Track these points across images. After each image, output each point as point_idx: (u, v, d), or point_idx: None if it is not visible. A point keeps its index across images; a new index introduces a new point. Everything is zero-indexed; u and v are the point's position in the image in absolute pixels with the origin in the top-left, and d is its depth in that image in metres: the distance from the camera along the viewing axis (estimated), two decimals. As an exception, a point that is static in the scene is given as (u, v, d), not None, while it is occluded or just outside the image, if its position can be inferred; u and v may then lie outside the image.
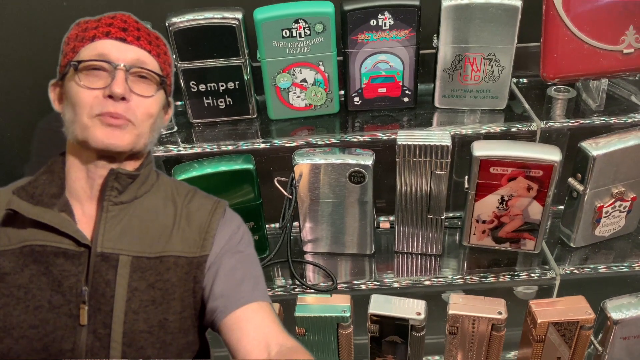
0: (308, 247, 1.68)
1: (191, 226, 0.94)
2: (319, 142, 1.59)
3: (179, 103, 1.74)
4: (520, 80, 1.85)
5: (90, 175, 0.91)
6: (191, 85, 1.64)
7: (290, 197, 1.53)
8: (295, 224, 1.67)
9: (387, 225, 1.75)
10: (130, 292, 0.87)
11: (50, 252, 0.86)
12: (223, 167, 1.49)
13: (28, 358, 0.85)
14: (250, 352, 0.83)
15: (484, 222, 1.58)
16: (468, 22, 1.54)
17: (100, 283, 0.87)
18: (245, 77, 1.63)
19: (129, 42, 0.90)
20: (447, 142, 1.43)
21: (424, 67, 1.72)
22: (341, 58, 1.64)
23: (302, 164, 1.50)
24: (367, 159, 1.49)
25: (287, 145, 1.61)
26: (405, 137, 1.46)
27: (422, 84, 1.76)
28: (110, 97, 0.86)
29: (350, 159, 1.49)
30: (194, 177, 1.50)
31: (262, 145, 1.61)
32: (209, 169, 1.50)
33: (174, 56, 1.56)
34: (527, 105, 1.69)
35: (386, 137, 1.58)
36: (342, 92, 1.71)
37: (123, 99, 0.87)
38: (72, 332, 0.86)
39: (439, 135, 1.45)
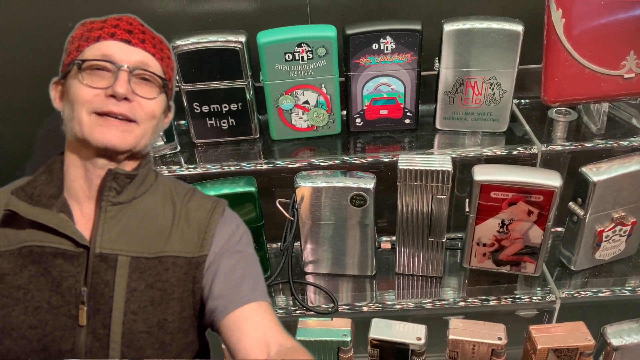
0: (309, 268, 1.69)
1: (190, 226, 0.93)
2: (321, 164, 1.60)
3: (182, 122, 1.76)
4: (522, 101, 1.85)
5: (89, 174, 0.90)
6: (194, 106, 1.65)
7: (292, 219, 1.53)
8: (297, 244, 1.68)
9: (389, 245, 1.75)
10: (129, 293, 0.87)
11: (49, 252, 0.86)
12: (225, 190, 1.51)
13: (27, 358, 0.85)
14: (250, 352, 0.82)
15: (484, 245, 1.59)
16: (469, 46, 1.55)
17: (99, 283, 0.86)
18: (248, 98, 1.65)
19: (133, 45, 0.90)
20: (448, 167, 1.44)
21: (426, 87, 1.73)
22: (343, 80, 1.65)
23: (304, 187, 1.51)
24: (368, 183, 1.50)
25: (290, 166, 1.62)
26: (407, 161, 1.47)
27: (424, 104, 1.77)
28: (113, 97, 0.86)
29: (351, 182, 1.50)
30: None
31: (265, 167, 1.62)
32: (211, 191, 1.51)
33: (178, 77, 1.58)
34: (528, 128, 1.70)
35: (388, 159, 1.59)
36: (344, 113, 1.72)
37: (125, 99, 0.87)
38: (72, 333, 0.86)
39: (440, 160, 1.46)
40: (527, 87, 1.82)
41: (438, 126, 1.70)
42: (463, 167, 1.72)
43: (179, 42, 1.55)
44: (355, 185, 1.49)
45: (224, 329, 0.88)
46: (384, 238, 1.81)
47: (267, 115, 1.68)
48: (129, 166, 0.94)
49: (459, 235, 1.78)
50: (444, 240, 1.57)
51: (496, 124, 1.67)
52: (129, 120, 0.88)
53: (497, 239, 1.57)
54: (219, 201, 1.01)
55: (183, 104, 1.65)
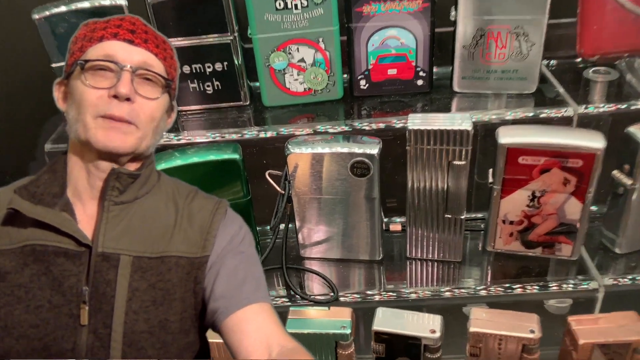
0: (306, 252, 1.46)
1: (192, 226, 0.94)
2: (319, 132, 1.37)
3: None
4: (551, 62, 1.61)
5: (92, 174, 0.91)
6: (174, 66, 1.44)
7: (284, 192, 1.31)
8: (292, 226, 1.45)
9: (399, 227, 1.52)
10: (131, 292, 0.87)
11: (51, 251, 0.87)
12: (207, 157, 1.30)
13: (28, 357, 0.85)
14: (251, 353, 0.84)
15: (511, 222, 1.35)
16: (491, -11, 1.32)
17: (100, 283, 0.87)
18: (235, 58, 1.43)
19: (136, 44, 0.90)
20: (468, 125, 1.21)
21: (441, 48, 1.50)
22: (345, 37, 1.42)
23: (297, 154, 1.29)
24: (372, 148, 1.27)
25: (282, 134, 1.40)
26: (418, 121, 1.23)
27: (439, 67, 1.54)
28: (115, 97, 0.87)
29: (352, 148, 1.27)
30: (175, 167, 1.31)
31: (254, 134, 1.41)
32: (192, 158, 1.31)
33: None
34: (561, 89, 1.46)
35: (400, 125, 1.36)
36: (347, 75, 1.49)
37: (128, 99, 0.87)
38: (73, 332, 0.86)
39: (457, 119, 1.22)
40: (556, 45, 1.57)
41: (456, 88, 1.47)
42: (485, 135, 1.48)
43: (153, -10, 1.35)
44: (356, 151, 1.26)
45: (225, 330, 0.89)
46: (395, 219, 1.57)
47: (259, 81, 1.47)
48: (132, 167, 0.94)
49: (480, 215, 1.54)
50: (462, 218, 1.34)
51: (523, 83, 1.43)
52: (131, 123, 0.88)
53: (527, 215, 1.33)
54: (222, 202, 1.00)
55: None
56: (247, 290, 0.91)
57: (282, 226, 1.43)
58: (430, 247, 1.41)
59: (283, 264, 1.41)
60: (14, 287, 0.86)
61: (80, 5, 1.35)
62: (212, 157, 1.30)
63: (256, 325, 0.87)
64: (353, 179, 1.30)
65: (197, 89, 1.48)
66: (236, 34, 1.41)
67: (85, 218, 0.91)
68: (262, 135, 1.40)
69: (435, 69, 1.50)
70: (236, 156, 1.31)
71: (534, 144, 1.23)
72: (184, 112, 1.52)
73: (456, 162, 1.24)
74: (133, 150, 0.90)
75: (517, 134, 1.26)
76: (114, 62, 0.87)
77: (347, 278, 1.44)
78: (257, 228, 1.50)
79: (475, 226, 1.53)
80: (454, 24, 1.39)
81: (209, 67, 1.45)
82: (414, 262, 1.44)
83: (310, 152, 1.28)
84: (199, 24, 1.38)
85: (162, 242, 0.91)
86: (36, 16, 1.35)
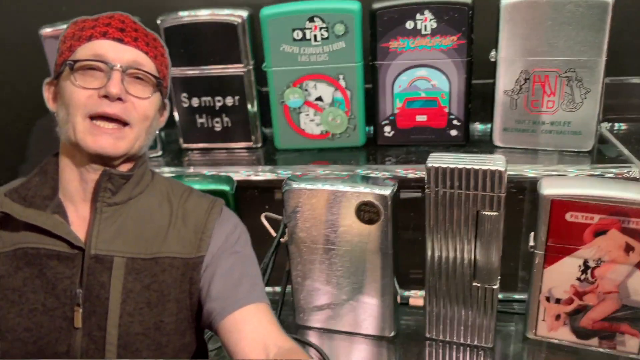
0: (302, 319, 1.22)
1: (187, 226, 0.92)
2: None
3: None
4: (616, 125, 1.39)
5: (84, 176, 0.89)
6: (182, 98, 1.33)
7: (280, 237, 1.11)
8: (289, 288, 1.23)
9: (420, 302, 1.26)
10: (125, 294, 0.87)
11: (44, 254, 0.86)
12: (194, 185, 1.12)
13: None
14: (248, 354, 0.83)
15: (557, 301, 1.07)
16: (537, 25, 1.16)
17: (94, 285, 0.86)
18: (248, 93, 1.31)
19: (126, 43, 0.89)
20: (501, 166, 0.99)
21: (479, 96, 1.32)
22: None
23: (296, 190, 1.10)
24: (384, 189, 1.06)
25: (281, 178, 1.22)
26: (439, 158, 1.03)
27: (479, 122, 1.36)
28: (106, 97, 0.85)
29: (360, 187, 1.07)
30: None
31: (255, 175, 1.24)
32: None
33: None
34: (624, 149, 1.22)
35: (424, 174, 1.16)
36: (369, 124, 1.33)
37: (119, 99, 0.86)
38: (67, 335, 0.86)
39: (488, 158, 1.01)
40: (618, 104, 1.37)
41: (497, 142, 1.27)
42: (532, 198, 1.25)
43: (167, 16, 1.27)
44: (364, 190, 1.06)
45: (222, 331, 0.87)
46: (417, 293, 1.31)
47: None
48: (124, 167, 0.92)
49: (518, 297, 1.26)
50: (495, 288, 1.07)
51: (577, 139, 1.22)
52: (123, 123, 0.87)
53: (577, 292, 1.05)
54: (217, 200, 0.98)
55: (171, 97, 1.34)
56: (243, 291, 0.89)
57: (274, 289, 1.22)
58: (455, 325, 1.14)
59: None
60: (7, 291, 0.86)
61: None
62: (203, 186, 1.13)
63: (253, 326, 0.86)
64: (360, 226, 1.08)
65: (205, 125, 1.36)
66: (251, 67, 1.30)
67: (77, 220, 0.90)
68: (263, 176, 1.23)
69: (474, 125, 1.31)
70: (227, 188, 1.14)
71: (586, 197, 0.98)
72: (186, 150, 1.39)
73: (487, 213, 1.01)
74: (126, 152, 0.88)
75: (565, 184, 1.02)
76: (103, 61, 0.86)
77: (349, 356, 1.18)
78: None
79: (513, 309, 1.24)
80: (494, 65, 1.22)
81: (218, 100, 1.33)
82: (433, 344, 1.17)
83: (312, 189, 1.08)
84: (212, 52, 1.29)
85: (156, 242, 0.90)
86: (43, 32, 1.29)
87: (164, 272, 0.89)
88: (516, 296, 1.27)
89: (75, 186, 0.90)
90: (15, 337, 0.86)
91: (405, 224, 1.27)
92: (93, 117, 0.85)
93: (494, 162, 1.00)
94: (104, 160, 0.88)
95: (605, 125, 1.38)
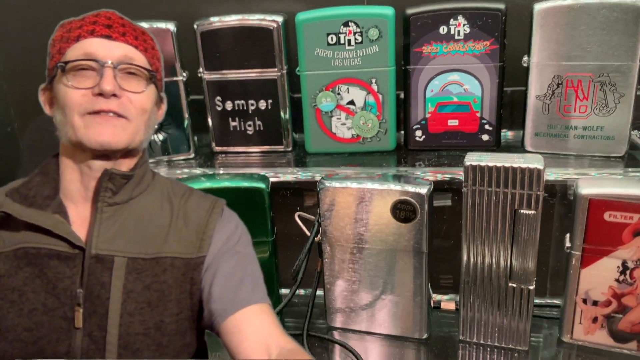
0: (334, 320, 1.22)
1: (188, 226, 0.92)
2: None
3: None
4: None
5: (84, 176, 0.90)
6: (216, 101, 1.35)
7: (311, 234, 1.11)
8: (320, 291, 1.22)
9: (452, 306, 1.26)
10: (126, 294, 0.86)
11: (45, 254, 0.86)
12: (232, 183, 1.14)
13: None
14: (250, 355, 0.83)
15: (595, 303, 1.06)
16: (570, 30, 1.17)
17: (95, 285, 0.86)
18: (281, 97, 1.33)
19: (114, 39, 0.89)
20: (539, 164, 0.99)
21: (513, 104, 1.33)
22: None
23: (331, 189, 1.11)
24: (421, 187, 1.06)
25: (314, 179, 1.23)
26: (477, 157, 1.03)
27: (510, 129, 1.37)
28: (101, 95, 0.85)
29: (397, 185, 1.07)
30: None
31: (292, 176, 1.25)
32: (216, 183, 1.16)
33: (201, 63, 1.31)
34: (657, 154, 1.22)
35: (460, 178, 1.17)
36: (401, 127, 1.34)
37: (114, 96, 0.86)
38: (67, 335, 0.85)
39: (527, 157, 1.01)
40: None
41: (528, 147, 1.27)
42: (563, 201, 1.25)
43: (203, 20, 1.30)
44: (401, 188, 1.06)
45: (224, 332, 0.87)
46: (447, 297, 1.31)
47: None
48: (125, 166, 0.92)
49: (552, 301, 1.25)
50: (532, 288, 1.07)
51: (610, 144, 1.22)
52: (121, 116, 0.87)
53: (616, 293, 1.04)
54: (218, 200, 0.97)
55: (204, 100, 1.36)
56: (244, 292, 0.89)
57: (303, 291, 1.22)
58: (489, 328, 1.13)
59: (304, 330, 1.17)
60: (7, 291, 0.86)
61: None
62: (237, 184, 1.14)
63: (254, 327, 0.86)
64: (396, 225, 1.09)
65: (238, 128, 1.37)
66: (284, 71, 1.31)
67: (78, 220, 0.90)
68: (294, 177, 1.25)
69: (505, 131, 1.32)
70: (262, 185, 1.15)
71: (625, 196, 0.98)
72: (219, 153, 1.40)
73: (524, 211, 1.01)
74: (127, 145, 0.88)
75: (603, 184, 1.02)
76: (94, 59, 0.86)
77: (381, 358, 1.17)
78: (281, 291, 1.28)
79: (549, 314, 1.23)
80: (526, 70, 1.23)
81: (252, 104, 1.35)
82: (467, 346, 1.16)
83: (347, 187, 1.09)
84: (246, 56, 1.31)
85: (157, 242, 0.90)
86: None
87: (165, 272, 0.89)
88: (547, 300, 1.26)
89: (76, 186, 0.90)
90: (15, 337, 0.85)
91: (435, 229, 1.27)
92: (90, 114, 0.86)
93: (532, 161, 1.00)
94: (105, 154, 0.88)
95: (636, 132, 1.38)
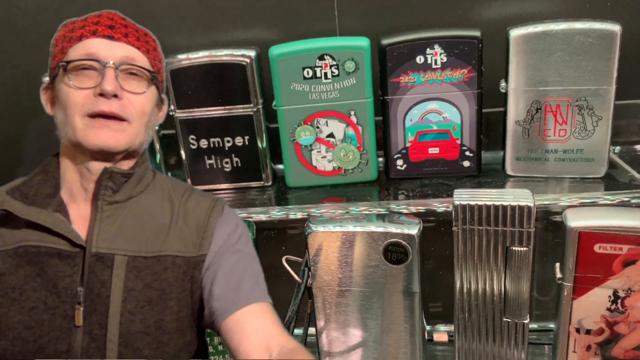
0: (329, 362, 1.19)
1: (189, 225, 0.93)
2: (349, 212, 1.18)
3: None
4: (616, 149, 1.41)
5: (85, 175, 0.90)
6: (190, 140, 1.30)
7: (301, 281, 1.08)
8: (312, 330, 1.20)
9: (445, 337, 1.25)
10: (126, 293, 0.87)
11: (45, 252, 0.87)
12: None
13: (23, 359, 0.85)
14: (251, 354, 0.83)
15: (588, 332, 1.07)
16: (547, 56, 1.17)
17: (95, 283, 0.86)
18: (258, 132, 1.29)
19: (116, 40, 0.89)
20: (529, 201, 0.99)
21: (490, 125, 1.33)
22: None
23: (320, 233, 1.08)
24: (411, 228, 1.05)
25: (304, 216, 1.20)
26: (466, 195, 1.02)
27: (489, 151, 1.36)
28: (102, 95, 0.85)
29: (387, 227, 1.05)
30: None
31: (269, 215, 1.22)
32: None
33: (171, 103, 1.26)
34: (635, 174, 1.24)
35: (443, 208, 1.16)
36: (381, 157, 1.32)
37: (115, 96, 0.86)
38: (68, 333, 0.86)
39: (516, 194, 1.01)
40: (628, 129, 1.39)
41: (509, 171, 1.27)
42: (545, 226, 1.26)
43: (173, 58, 1.25)
44: (392, 230, 1.04)
45: (224, 331, 0.87)
46: (439, 328, 1.30)
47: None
48: (125, 165, 0.92)
49: (546, 324, 1.26)
50: (526, 322, 1.06)
51: (589, 166, 1.23)
52: (121, 119, 0.87)
53: (608, 322, 1.05)
54: (218, 199, 0.98)
55: (177, 138, 1.31)
56: (245, 291, 0.89)
57: (297, 331, 1.19)
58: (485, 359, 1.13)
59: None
60: (8, 289, 0.86)
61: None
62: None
63: (255, 326, 0.86)
64: (387, 267, 1.07)
65: (215, 166, 1.33)
66: (260, 106, 1.28)
67: (79, 218, 0.90)
68: (277, 215, 1.21)
69: (483, 153, 1.32)
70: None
71: (614, 228, 0.99)
72: (197, 192, 1.35)
73: (516, 248, 1.01)
74: (126, 147, 0.88)
75: (591, 215, 1.03)
76: (95, 59, 0.86)
77: (378, 398, 1.15)
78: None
79: (541, 340, 1.24)
80: (504, 96, 1.22)
81: (228, 141, 1.31)
82: (463, 379, 1.15)
83: (336, 231, 1.07)
84: (220, 92, 1.27)
85: (158, 241, 0.90)
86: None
87: (165, 270, 0.89)
88: (536, 325, 1.27)
89: (77, 186, 0.91)
90: (15, 335, 0.85)
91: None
92: (91, 116, 0.85)
93: (522, 197, 0.99)
94: (105, 156, 0.88)
95: (612, 148, 1.40)
